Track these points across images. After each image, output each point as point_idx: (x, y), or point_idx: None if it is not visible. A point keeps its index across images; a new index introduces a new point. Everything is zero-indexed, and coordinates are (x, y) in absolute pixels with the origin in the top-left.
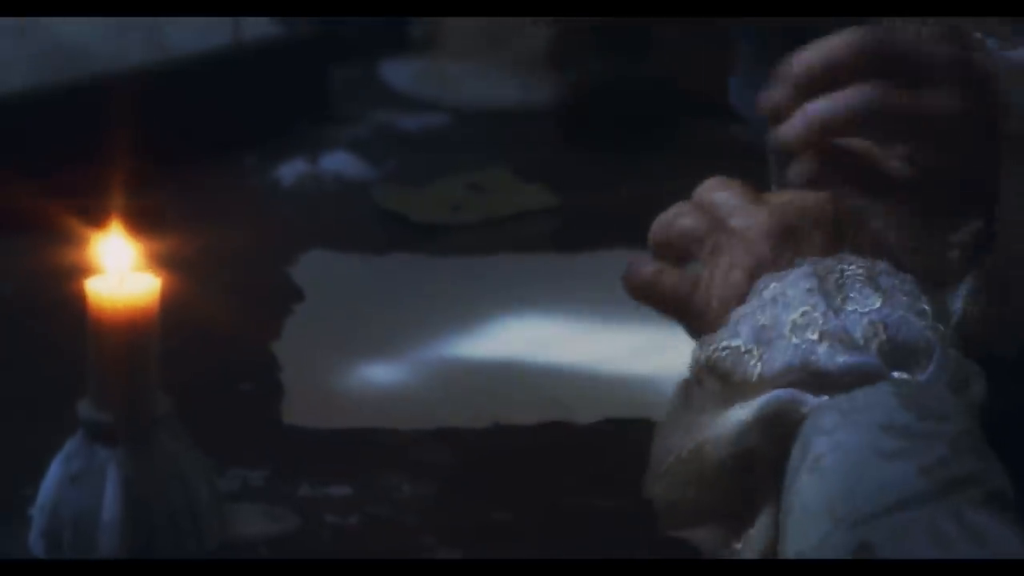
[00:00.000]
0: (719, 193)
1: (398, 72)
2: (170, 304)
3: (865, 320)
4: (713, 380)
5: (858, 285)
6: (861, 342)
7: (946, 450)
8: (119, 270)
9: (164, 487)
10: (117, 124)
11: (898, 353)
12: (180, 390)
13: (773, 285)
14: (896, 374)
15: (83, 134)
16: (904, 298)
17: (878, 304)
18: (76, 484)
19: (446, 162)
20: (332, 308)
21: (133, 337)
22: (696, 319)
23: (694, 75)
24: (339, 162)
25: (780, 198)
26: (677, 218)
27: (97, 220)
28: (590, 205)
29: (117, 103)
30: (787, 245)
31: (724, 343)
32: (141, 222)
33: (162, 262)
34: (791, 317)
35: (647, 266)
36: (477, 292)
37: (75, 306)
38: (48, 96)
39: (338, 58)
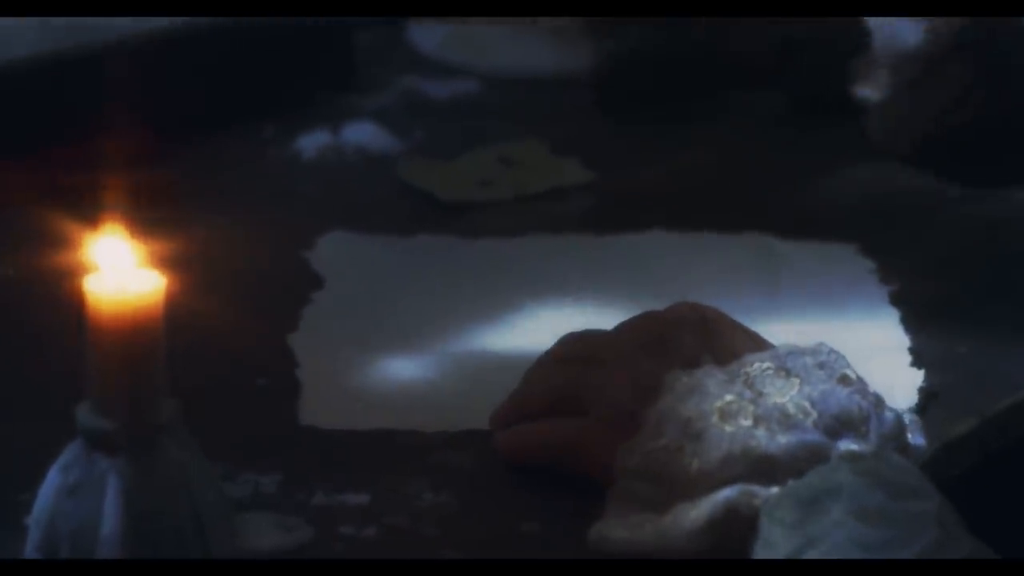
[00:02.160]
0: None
1: (427, 36)
2: (179, 292)
3: (790, 405)
4: (645, 485)
5: (768, 380)
6: (798, 421)
7: (936, 531)
8: (121, 268)
9: (168, 499)
10: (128, 94)
11: (834, 426)
12: (189, 387)
13: (684, 379)
14: (841, 444)
15: (93, 105)
16: (821, 371)
17: (796, 388)
18: (74, 495)
19: (476, 133)
20: (352, 296)
21: (136, 340)
22: (591, 453)
23: (736, 43)
24: (363, 133)
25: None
26: (540, 383)
27: (104, 196)
28: (628, 181)
29: (129, 71)
30: (659, 353)
31: (649, 445)
32: (152, 198)
33: (172, 242)
34: (716, 405)
35: (513, 431)
36: (507, 277)
37: (77, 299)
38: (56, 64)
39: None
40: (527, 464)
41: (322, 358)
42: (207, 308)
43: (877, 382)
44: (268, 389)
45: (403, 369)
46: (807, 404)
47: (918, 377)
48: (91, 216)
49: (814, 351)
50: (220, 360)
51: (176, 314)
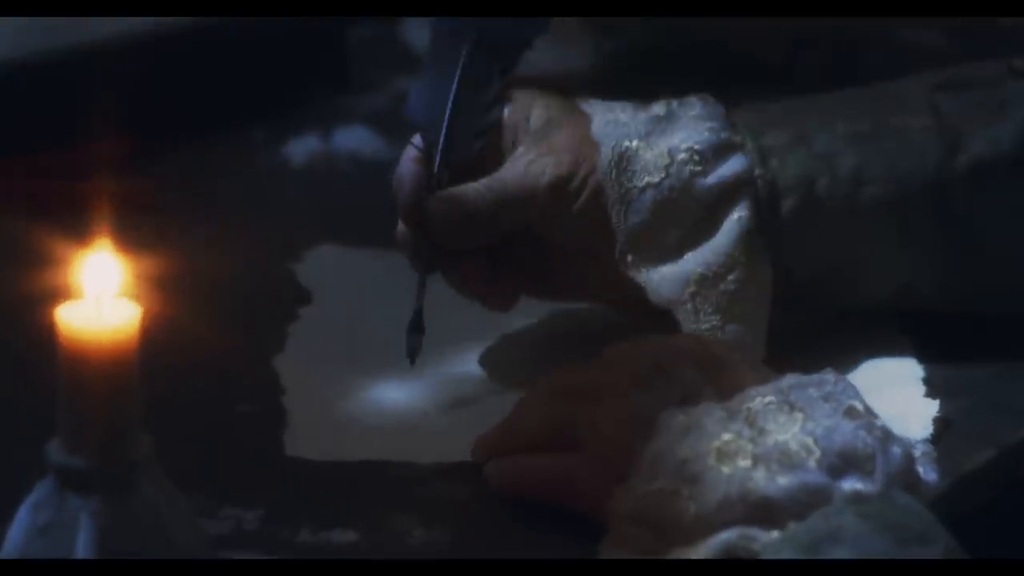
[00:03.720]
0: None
1: (423, 32)
2: (157, 310)
3: (792, 443)
4: (641, 531)
5: (771, 415)
6: (799, 460)
7: None
8: (95, 295)
9: (144, 540)
10: (109, 96)
11: (838, 464)
12: (167, 414)
13: (680, 417)
14: (845, 484)
15: (72, 108)
16: (826, 404)
17: (799, 424)
18: (45, 535)
19: None
20: (342, 315)
21: (109, 374)
22: (585, 491)
23: (744, 41)
24: (355, 138)
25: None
26: (532, 415)
27: (82, 206)
28: None
29: (110, 73)
30: (658, 386)
31: (643, 489)
32: (133, 208)
33: (153, 255)
34: (714, 445)
35: (507, 462)
36: None
37: (48, 327)
38: (35, 66)
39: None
40: (519, 498)
41: (309, 382)
42: (186, 328)
43: (890, 412)
44: (251, 416)
45: (395, 394)
46: (810, 441)
47: (932, 406)
48: (66, 227)
49: (819, 382)
50: (200, 384)
51: (153, 334)
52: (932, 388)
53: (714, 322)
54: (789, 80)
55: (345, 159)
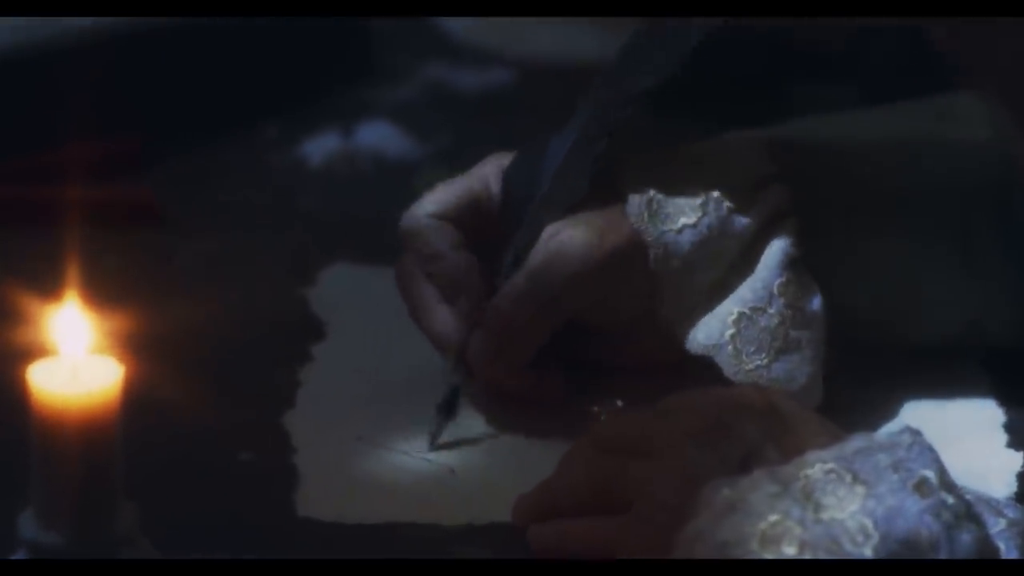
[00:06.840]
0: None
1: (455, 18)
2: (149, 353)
3: (850, 523)
4: None
5: (830, 487)
6: (850, 548)
7: None
8: (73, 353)
9: None
10: (105, 91)
11: (897, 552)
12: (157, 479)
13: (725, 491)
14: None
15: (63, 105)
16: (895, 476)
17: (860, 500)
18: None
19: (510, 132)
20: (361, 350)
21: (88, 440)
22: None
23: (809, 30)
24: (379, 136)
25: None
26: (576, 471)
27: (72, 215)
28: None
29: (106, 65)
30: (716, 443)
31: None
32: (129, 217)
33: (144, 285)
34: (759, 527)
35: (549, 526)
36: None
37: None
38: (21, 58)
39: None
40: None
41: (322, 434)
42: (181, 372)
43: (967, 466)
44: (256, 475)
45: (418, 446)
46: (869, 524)
47: (1015, 458)
48: (48, 248)
49: (891, 446)
50: (196, 439)
51: (141, 386)
52: (1015, 436)
53: (759, 362)
54: (855, 70)
55: (367, 160)
